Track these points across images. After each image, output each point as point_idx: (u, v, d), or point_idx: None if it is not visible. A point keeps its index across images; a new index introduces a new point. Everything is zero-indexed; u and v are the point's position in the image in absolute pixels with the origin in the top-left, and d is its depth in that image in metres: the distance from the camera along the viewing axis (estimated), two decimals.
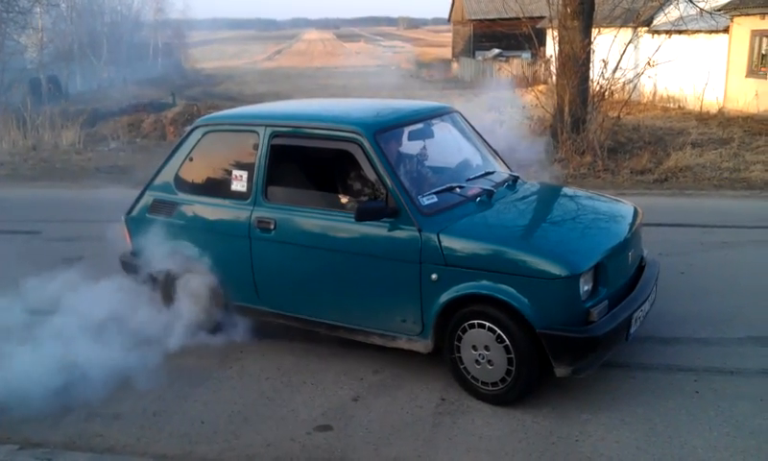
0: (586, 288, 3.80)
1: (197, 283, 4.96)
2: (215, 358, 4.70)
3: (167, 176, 5.13)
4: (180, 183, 5.06)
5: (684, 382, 4.16)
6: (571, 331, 3.72)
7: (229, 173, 4.81)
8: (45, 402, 4.15)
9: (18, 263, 5.50)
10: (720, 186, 9.73)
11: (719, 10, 15.61)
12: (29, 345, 4.53)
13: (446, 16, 49.30)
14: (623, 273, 4.21)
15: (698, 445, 3.58)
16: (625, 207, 4.78)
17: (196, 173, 5.04)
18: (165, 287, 5.09)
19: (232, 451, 3.73)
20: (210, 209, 4.87)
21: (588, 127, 11.70)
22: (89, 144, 14.92)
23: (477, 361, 3.99)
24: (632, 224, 4.47)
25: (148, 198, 5.20)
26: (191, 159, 5.05)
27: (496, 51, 34.69)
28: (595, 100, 12.03)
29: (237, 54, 69.44)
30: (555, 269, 3.72)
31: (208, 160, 5.03)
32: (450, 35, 49.40)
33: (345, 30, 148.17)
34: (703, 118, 16.13)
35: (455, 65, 38.37)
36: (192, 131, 5.10)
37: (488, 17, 37.73)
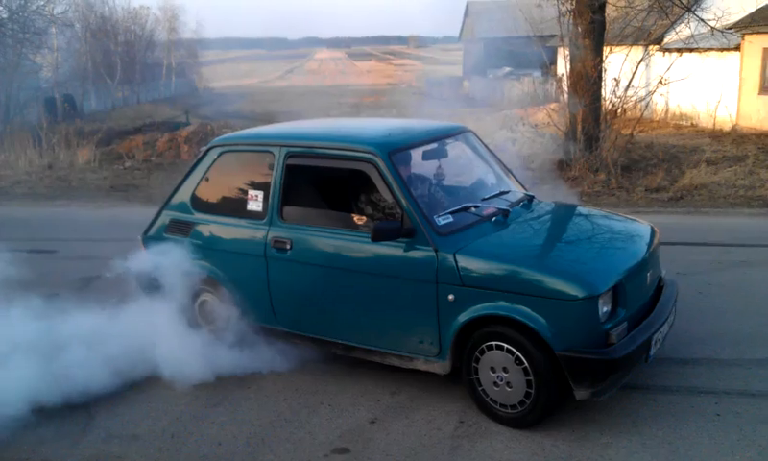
0: (605, 309, 3.77)
1: (213, 303, 4.97)
2: (232, 379, 4.69)
3: (183, 195, 5.15)
4: (197, 203, 5.08)
5: (705, 405, 4.12)
6: (591, 353, 3.69)
7: (245, 193, 4.83)
8: (65, 421, 4.17)
9: (36, 283, 5.51)
10: (736, 204, 9.68)
11: (730, 27, 15.59)
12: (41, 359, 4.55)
13: (457, 35, 49.49)
14: (642, 293, 4.18)
15: None
16: (642, 227, 4.75)
17: (212, 193, 5.07)
18: (181, 307, 5.08)
19: None
20: (226, 229, 4.89)
21: (601, 145, 11.69)
22: (105, 163, 15.02)
23: (496, 383, 3.96)
24: (649, 243, 4.44)
25: (165, 217, 5.22)
26: (207, 179, 5.07)
27: (507, 69, 34.73)
28: (608, 118, 12.02)
29: (249, 73, 69.86)
30: (573, 290, 3.70)
31: (224, 180, 5.06)
32: (461, 53, 49.55)
33: (356, 49, 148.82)
34: (716, 136, 16.07)
35: (466, 84, 38.41)
36: (208, 151, 5.13)
37: (499, 36, 37.82)
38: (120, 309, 5.09)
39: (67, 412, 4.31)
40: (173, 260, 4.95)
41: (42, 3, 24.23)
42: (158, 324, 4.84)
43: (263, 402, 4.42)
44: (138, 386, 4.64)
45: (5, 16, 22.68)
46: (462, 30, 47.57)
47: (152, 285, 5.19)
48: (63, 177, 13.63)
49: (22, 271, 5.29)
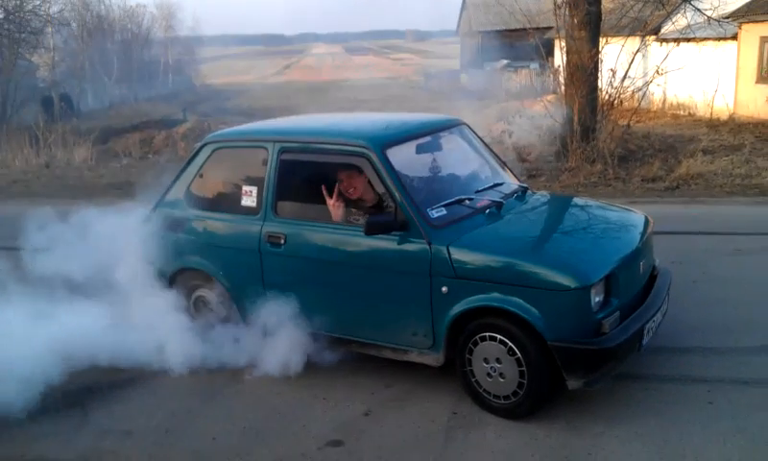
0: (597, 299, 3.77)
1: (208, 298, 4.99)
2: (226, 373, 4.69)
3: (178, 192, 5.16)
4: (191, 199, 5.08)
5: (698, 393, 4.12)
6: (583, 343, 3.69)
7: (239, 188, 4.83)
8: (59, 417, 4.19)
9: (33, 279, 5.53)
10: (732, 193, 9.67)
11: (727, 17, 15.57)
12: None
13: (454, 28, 49.45)
14: (635, 283, 4.19)
15: (712, 457, 3.53)
16: (636, 216, 4.75)
17: (206, 189, 5.08)
18: (176, 302, 5.09)
19: None
20: (221, 225, 4.90)
21: (597, 135, 11.69)
22: (101, 161, 15.03)
23: (489, 374, 3.97)
24: (643, 233, 4.44)
25: (159, 214, 5.23)
26: (201, 176, 5.08)
27: (505, 62, 34.71)
28: (604, 109, 12.02)
29: (247, 69, 69.83)
30: (565, 280, 3.71)
31: (218, 176, 5.07)
32: (458, 46, 49.51)
33: (353, 43, 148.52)
34: (713, 125, 16.07)
35: (463, 77, 38.39)
36: (202, 147, 5.13)
37: (495, 29, 37.81)
38: (117, 304, 5.08)
39: (61, 408, 4.33)
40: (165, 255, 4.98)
41: (38, 2, 24.26)
42: (154, 318, 4.84)
43: (257, 396, 4.43)
44: (132, 382, 4.66)
45: (1, 16, 22.70)
46: (459, 23, 47.54)
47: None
48: (60, 175, 13.63)
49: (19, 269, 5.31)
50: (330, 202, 4.46)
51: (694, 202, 9.32)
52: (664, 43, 17.81)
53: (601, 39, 11.78)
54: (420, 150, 4.87)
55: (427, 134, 4.94)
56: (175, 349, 4.73)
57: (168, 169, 6.02)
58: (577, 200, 5.32)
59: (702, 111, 17.99)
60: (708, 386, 4.19)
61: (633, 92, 12.71)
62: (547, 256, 4.00)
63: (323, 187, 4.49)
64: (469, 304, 3.94)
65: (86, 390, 4.50)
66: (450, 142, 5.15)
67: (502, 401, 3.97)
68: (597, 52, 11.56)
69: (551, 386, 3.88)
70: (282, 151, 4.66)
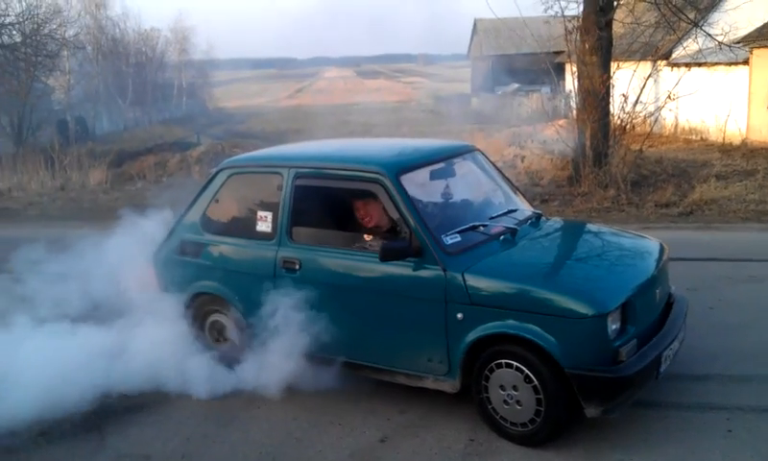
0: (614, 327, 3.76)
1: (223, 323, 5.00)
2: (242, 398, 4.69)
3: (194, 217, 5.19)
4: (207, 224, 5.12)
5: (717, 421, 4.09)
6: (600, 371, 3.68)
7: (255, 214, 4.86)
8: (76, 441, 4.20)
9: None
10: (746, 219, 9.62)
11: (738, 42, 15.57)
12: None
13: (465, 52, 49.66)
14: (651, 310, 4.17)
15: None
16: (651, 243, 4.74)
17: (222, 214, 5.11)
18: (192, 327, 5.11)
19: None
20: (236, 250, 4.92)
21: (610, 160, 11.68)
22: (116, 184, 15.15)
23: (506, 401, 3.96)
24: (658, 260, 4.43)
25: (175, 238, 5.26)
26: (217, 201, 5.11)
27: (516, 86, 34.80)
28: (617, 134, 12.02)
29: (259, 92, 70.23)
30: (582, 308, 3.70)
31: (234, 201, 5.10)
32: (469, 70, 49.70)
33: (365, 67, 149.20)
34: (726, 150, 16.02)
35: (474, 101, 38.53)
36: (217, 173, 5.17)
37: (507, 53, 37.97)
38: (129, 330, 5.11)
39: (79, 432, 4.34)
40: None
41: (55, 26, 24.59)
42: (169, 344, 4.86)
43: (273, 422, 4.43)
44: (149, 406, 4.67)
45: (18, 40, 23.02)
46: (470, 47, 47.74)
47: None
48: (75, 198, 13.75)
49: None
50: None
51: (708, 228, 9.28)
52: (676, 68, 17.83)
53: (612, 64, 11.81)
54: (433, 176, 4.89)
55: (441, 161, 4.96)
56: (190, 374, 4.75)
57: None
58: (591, 226, 5.32)
59: (714, 136, 17.95)
60: (728, 414, 4.16)
61: (645, 117, 12.71)
62: (563, 284, 4.00)
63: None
64: (485, 331, 3.93)
65: (103, 414, 4.51)
66: (464, 168, 5.17)
67: (519, 429, 3.95)
68: (609, 77, 11.59)
69: (569, 413, 3.86)
70: (297, 176, 4.69)
